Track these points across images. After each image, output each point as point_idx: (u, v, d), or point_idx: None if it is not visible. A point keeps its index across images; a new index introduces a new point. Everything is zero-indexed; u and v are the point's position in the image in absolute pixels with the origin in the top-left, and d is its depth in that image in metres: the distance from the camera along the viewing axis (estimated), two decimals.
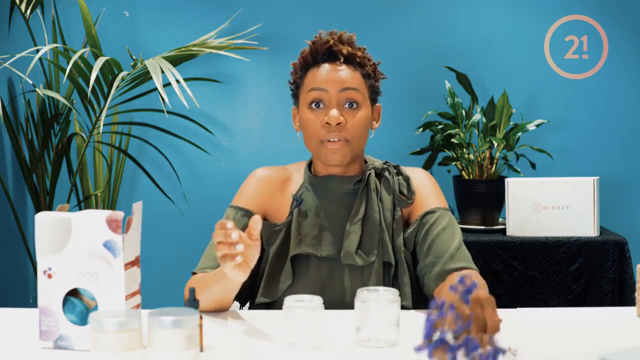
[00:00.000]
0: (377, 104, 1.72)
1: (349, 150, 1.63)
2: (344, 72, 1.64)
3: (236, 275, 1.39)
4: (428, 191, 1.69)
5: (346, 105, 1.63)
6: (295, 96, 1.72)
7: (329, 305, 1.59)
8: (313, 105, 1.64)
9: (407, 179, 1.69)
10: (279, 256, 1.66)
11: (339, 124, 1.61)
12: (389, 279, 1.64)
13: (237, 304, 1.85)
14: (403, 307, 1.63)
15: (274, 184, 1.72)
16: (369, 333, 1.32)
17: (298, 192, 1.71)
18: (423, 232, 1.64)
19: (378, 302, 1.31)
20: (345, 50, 1.64)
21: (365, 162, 1.74)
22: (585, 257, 2.60)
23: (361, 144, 1.66)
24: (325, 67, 1.65)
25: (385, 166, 1.71)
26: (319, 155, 1.65)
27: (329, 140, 1.62)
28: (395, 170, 1.71)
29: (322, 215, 1.66)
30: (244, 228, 1.64)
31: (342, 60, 1.64)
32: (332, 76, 1.63)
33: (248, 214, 1.67)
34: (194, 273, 1.65)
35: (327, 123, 1.61)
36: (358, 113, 1.63)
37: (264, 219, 1.69)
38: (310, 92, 1.64)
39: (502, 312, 1.58)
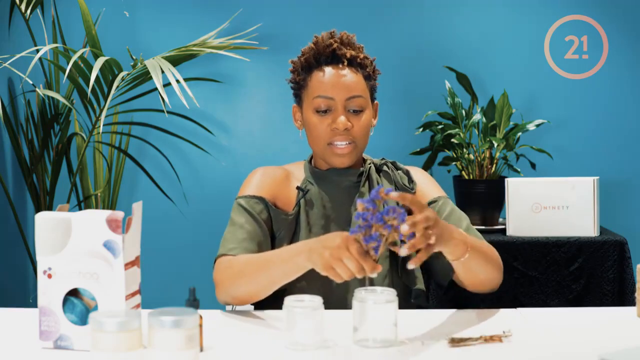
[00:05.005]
0: (376, 102, 1.77)
1: (356, 152, 1.69)
2: (349, 77, 1.68)
3: (325, 273, 1.37)
4: (427, 184, 1.76)
5: (351, 110, 1.68)
6: (297, 95, 1.75)
7: (338, 291, 1.63)
8: (319, 110, 1.68)
9: (407, 172, 1.77)
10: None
11: (346, 129, 1.66)
12: (396, 264, 1.68)
13: None
14: (417, 290, 1.68)
15: (277, 177, 1.75)
16: (367, 333, 1.32)
17: (302, 184, 1.74)
18: None
19: (375, 302, 1.31)
20: (348, 53, 1.68)
21: (364, 159, 1.79)
22: (585, 257, 2.60)
23: (365, 143, 1.72)
24: (330, 72, 1.68)
25: (382, 162, 1.78)
26: (325, 156, 1.70)
27: (337, 144, 1.67)
28: (393, 166, 1.78)
29: (328, 206, 1.70)
30: (259, 214, 1.66)
31: (345, 63, 1.68)
32: (338, 83, 1.67)
33: (262, 200, 1.69)
34: (218, 257, 1.62)
35: (335, 128, 1.66)
36: (363, 116, 1.69)
37: (274, 205, 1.71)
38: (316, 99, 1.68)
39: (502, 312, 1.59)
